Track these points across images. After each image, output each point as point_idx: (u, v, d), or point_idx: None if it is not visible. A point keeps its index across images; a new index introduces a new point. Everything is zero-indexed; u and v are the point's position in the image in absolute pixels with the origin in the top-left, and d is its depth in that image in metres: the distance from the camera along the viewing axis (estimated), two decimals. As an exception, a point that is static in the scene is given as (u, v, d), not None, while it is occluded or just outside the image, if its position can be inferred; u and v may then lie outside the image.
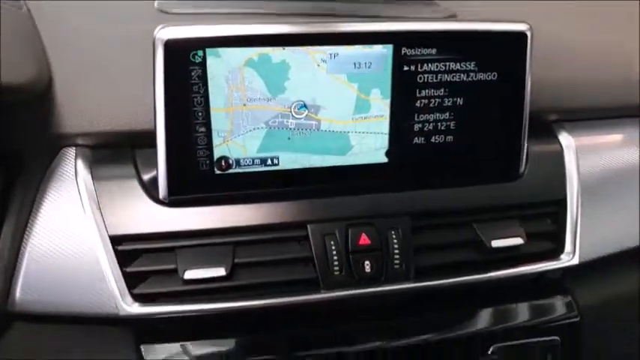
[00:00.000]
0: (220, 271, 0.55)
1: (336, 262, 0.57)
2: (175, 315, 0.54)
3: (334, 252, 0.58)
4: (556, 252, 0.64)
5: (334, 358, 0.59)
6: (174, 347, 0.55)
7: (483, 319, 0.63)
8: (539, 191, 0.65)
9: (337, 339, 0.59)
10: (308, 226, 0.58)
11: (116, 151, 0.60)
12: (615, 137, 0.73)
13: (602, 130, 0.73)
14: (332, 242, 0.58)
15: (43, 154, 0.57)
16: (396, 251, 0.59)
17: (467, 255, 0.61)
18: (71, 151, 0.58)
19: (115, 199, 0.56)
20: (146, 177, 0.58)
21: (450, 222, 0.62)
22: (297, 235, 0.58)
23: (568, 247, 0.64)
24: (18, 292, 0.53)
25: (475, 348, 0.61)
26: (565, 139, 0.69)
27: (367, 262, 0.58)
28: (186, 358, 0.55)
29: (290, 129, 0.57)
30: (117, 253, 0.54)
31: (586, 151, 0.69)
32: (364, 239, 0.59)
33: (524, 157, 0.64)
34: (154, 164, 0.56)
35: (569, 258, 0.64)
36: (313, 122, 0.57)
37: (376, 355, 0.59)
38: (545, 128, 0.70)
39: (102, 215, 0.55)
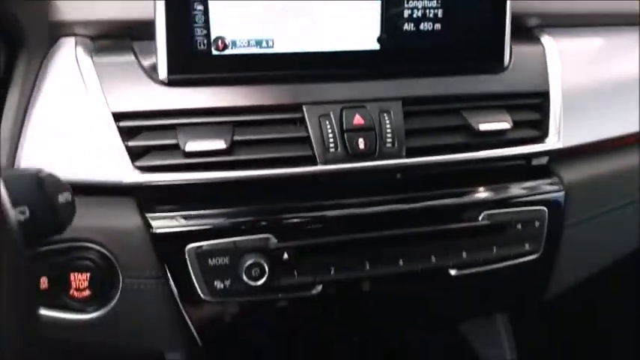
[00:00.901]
0: (220, 144, 0.57)
1: (331, 140, 0.59)
2: (177, 183, 0.56)
3: (329, 131, 0.60)
4: (541, 138, 0.67)
5: (329, 227, 0.60)
6: (176, 216, 0.57)
7: (474, 194, 0.65)
8: (523, 83, 0.68)
9: (331, 212, 0.61)
10: (304, 107, 0.60)
11: (115, 41, 0.62)
12: (602, 42, 0.76)
13: (589, 35, 0.76)
14: (327, 122, 0.60)
15: (43, 40, 0.58)
16: (388, 131, 0.61)
17: (456, 138, 0.64)
18: (71, 40, 0.60)
19: (115, 80, 0.58)
20: (146, 63, 0.60)
21: (439, 108, 0.65)
22: (294, 117, 0.60)
23: (552, 133, 0.67)
24: (22, 164, 0.54)
25: (467, 216, 0.64)
26: (548, 40, 0.72)
27: (361, 140, 0.60)
28: (189, 223, 0.57)
29: (285, 12, 0.59)
30: (119, 128, 0.56)
31: (569, 51, 0.72)
32: (358, 119, 0.61)
33: (508, 50, 0.67)
34: (153, 52, 0.58)
35: (554, 141, 0.67)
36: (307, 6, 0.59)
37: (368, 219, 0.61)
38: (530, 32, 0.74)
39: (103, 93, 0.57)
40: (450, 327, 0.78)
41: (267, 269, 0.56)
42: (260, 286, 0.56)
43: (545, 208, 0.66)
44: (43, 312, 0.55)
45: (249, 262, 0.56)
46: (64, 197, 0.42)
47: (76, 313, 0.57)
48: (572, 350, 1.28)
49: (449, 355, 0.90)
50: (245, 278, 0.56)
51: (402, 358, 0.89)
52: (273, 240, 0.58)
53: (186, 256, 0.57)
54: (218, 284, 0.57)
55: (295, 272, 0.59)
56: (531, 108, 0.68)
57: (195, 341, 0.60)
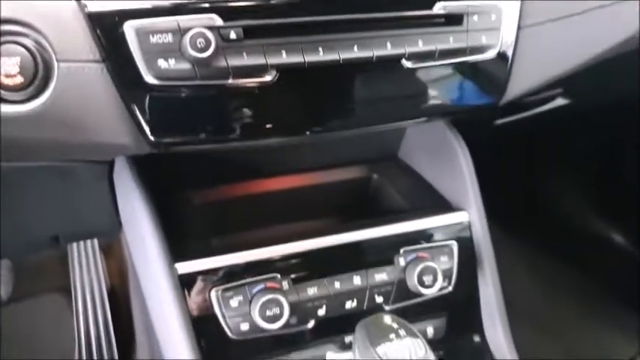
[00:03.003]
0: None
1: None
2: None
3: None
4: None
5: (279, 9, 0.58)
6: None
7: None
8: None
9: None
10: None
11: None
12: None
13: None
14: None
15: None
16: None
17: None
18: None
19: None
20: None
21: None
22: None
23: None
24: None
25: (422, 3, 0.62)
26: None
27: None
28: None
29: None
30: None
31: None
32: None
33: None
34: None
35: None
36: None
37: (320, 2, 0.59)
38: None
39: None
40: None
41: (213, 43, 0.53)
42: (205, 58, 0.53)
43: (501, 5, 0.65)
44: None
45: (192, 34, 0.53)
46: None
47: (11, 104, 0.53)
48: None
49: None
50: (191, 51, 0.53)
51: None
52: (219, 20, 0.55)
53: (126, 35, 0.53)
54: (162, 64, 0.54)
55: (245, 53, 0.56)
56: None
57: (143, 133, 0.56)
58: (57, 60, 0.53)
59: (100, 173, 0.82)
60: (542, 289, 1.45)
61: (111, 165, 0.81)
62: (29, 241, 0.98)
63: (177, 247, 0.71)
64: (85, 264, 1.49)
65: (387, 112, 0.66)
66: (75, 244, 1.46)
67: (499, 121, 1.19)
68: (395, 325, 0.59)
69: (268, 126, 0.61)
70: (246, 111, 0.59)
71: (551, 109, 1.23)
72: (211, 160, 0.84)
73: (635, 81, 1.13)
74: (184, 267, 0.69)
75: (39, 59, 0.52)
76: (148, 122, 0.56)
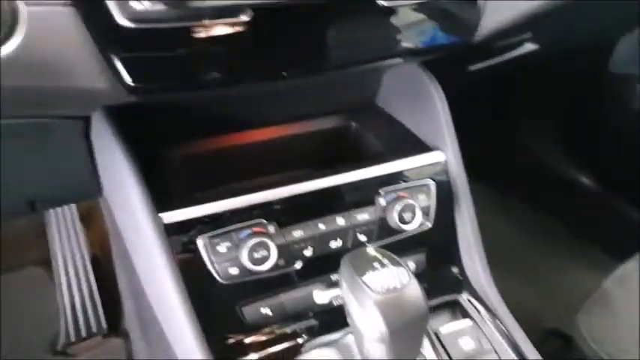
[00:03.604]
0: None
1: None
2: None
3: None
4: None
5: None
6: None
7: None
8: None
9: None
10: None
11: None
12: None
13: None
14: None
15: None
16: None
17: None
18: None
19: None
20: None
21: None
22: None
23: None
24: None
25: None
26: None
27: None
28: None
29: None
30: None
31: None
32: None
33: None
34: None
35: None
36: None
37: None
38: None
39: None
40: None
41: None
42: None
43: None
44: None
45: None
46: None
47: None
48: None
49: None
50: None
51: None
52: (191, -42, 0.54)
53: (94, -25, 0.52)
54: (135, 5, 0.53)
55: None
56: None
57: (120, 78, 0.56)
58: (26, 4, 0.51)
59: (77, 131, 0.81)
60: (512, 229, 1.51)
61: (88, 125, 0.80)
62: (5, 207, 0.96)
63: (161, 198, 0.71)
64: (65, 232, 1.47)
65: (362, 53, 0.67)
66: (53, 212, 1.44)
67: (472, 67, 1.20)
68: (379, 256, 0.61)
69: (245, 69, 0.61)
70: (223, 53, 0.59)
71: (522, 55, 1.25)
72: (190, 114, 0.84)
73: (600, 25, 1.16)
74: (170, 217, 0.70)
75: (5, 3, 0.51)
76: (124, 66, 0.55)
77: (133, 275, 0.78)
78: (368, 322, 0.57)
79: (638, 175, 1.35)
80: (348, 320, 0.62)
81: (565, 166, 1.58)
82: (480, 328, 0.78)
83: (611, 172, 1.51)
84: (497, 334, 0.77)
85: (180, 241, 0.70)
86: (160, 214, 0.70)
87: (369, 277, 0.58)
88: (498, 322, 0.79)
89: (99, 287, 1.39)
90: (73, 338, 1.30)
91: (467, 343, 0.75)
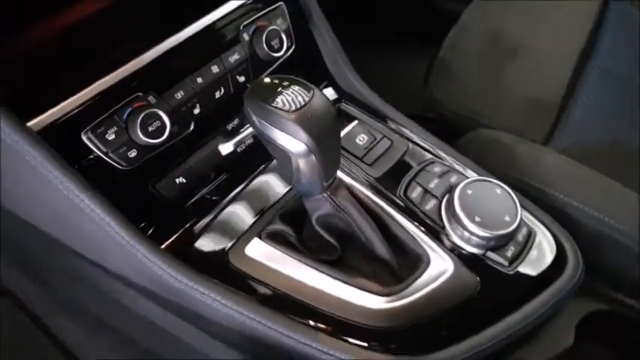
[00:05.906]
0: None
1: None
2: None
3: None
4: None
5: None
6: None
7: None
8: None
9: None
10: None
11: None
12: None
13: None
14: None
15: None
16: None
17: None
18: None
19: None
20: None
21: None
22: None
23: None
24: None
25: None
26: None
27: None
28: None
29: None
30: None
31: None
32: None
33: None
34: None
35: None
36: None
37: None
38: None
39: None
40: None
41: None
42: None
43: None
44: None
45: None
46: None
47: None
48: None
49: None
50: None
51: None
52: None
53: None
54: None
55: None
56: None
57: None
58: None
59: None
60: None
61: None
62: None
63: (22, 106, 0.61)
64: None
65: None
66: None
67: None
68: (277, 81, 0.62)
69: None
70: None
71: None
72: None
73: None
74: (40, 123, 0.62)
75: None
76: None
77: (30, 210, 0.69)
78: (293, 140, 0.60)
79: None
80: (270, 149, 0.65)
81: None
82: (366, 123, 0.86)
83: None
84: (382, 124, 0.86)
85: (62, 144, 0.63)
86: (29, 124, 0.61)
87: (279, 101, 0.60)
88: (380, 115, 0.87)
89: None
90: None
91: (361, 139, 0.84)
